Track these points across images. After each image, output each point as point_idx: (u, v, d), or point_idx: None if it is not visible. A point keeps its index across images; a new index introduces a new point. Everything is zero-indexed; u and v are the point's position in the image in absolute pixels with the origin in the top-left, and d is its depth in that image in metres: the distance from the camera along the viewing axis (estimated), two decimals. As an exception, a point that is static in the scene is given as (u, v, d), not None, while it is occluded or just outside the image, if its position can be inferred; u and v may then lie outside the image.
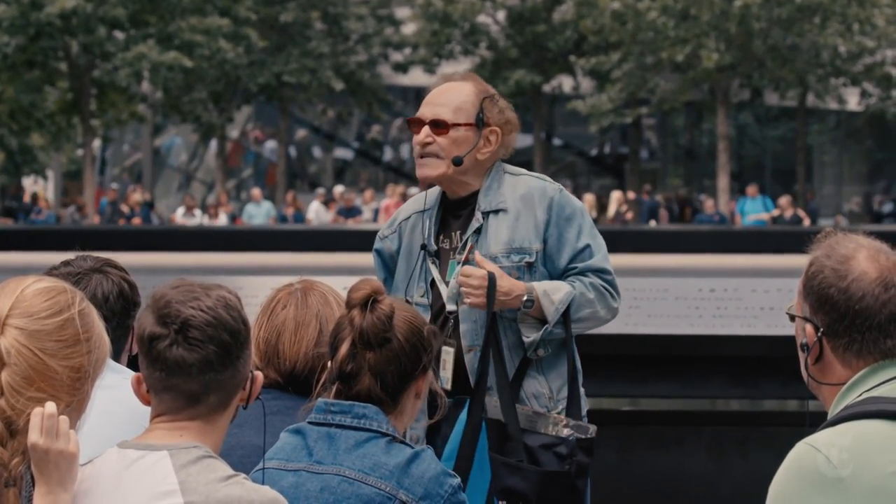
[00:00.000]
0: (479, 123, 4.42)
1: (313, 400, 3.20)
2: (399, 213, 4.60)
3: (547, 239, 4.37)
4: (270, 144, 40.52)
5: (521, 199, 4.39)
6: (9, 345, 2.57)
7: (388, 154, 42.60)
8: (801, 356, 2.78)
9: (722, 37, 31.89)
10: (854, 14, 31.90)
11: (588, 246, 4.38)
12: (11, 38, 30.85)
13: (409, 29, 36.07)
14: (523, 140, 33.11)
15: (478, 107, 4.42)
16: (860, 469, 2.55)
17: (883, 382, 2.68)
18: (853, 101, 34.76)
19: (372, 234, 4.68)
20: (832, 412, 2.71)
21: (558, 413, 4.31)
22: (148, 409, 2.77)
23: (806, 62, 32.67)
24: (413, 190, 26.16)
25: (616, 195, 30.04)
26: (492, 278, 4.24)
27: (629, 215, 28.73)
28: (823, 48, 32.46)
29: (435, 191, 4.52)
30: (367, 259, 4.79)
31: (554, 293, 4.30)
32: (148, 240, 10.28)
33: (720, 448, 7.59)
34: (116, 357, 3.54)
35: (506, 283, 4.26)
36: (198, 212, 29.16)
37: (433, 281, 4.41)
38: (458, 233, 4.44)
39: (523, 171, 4.52)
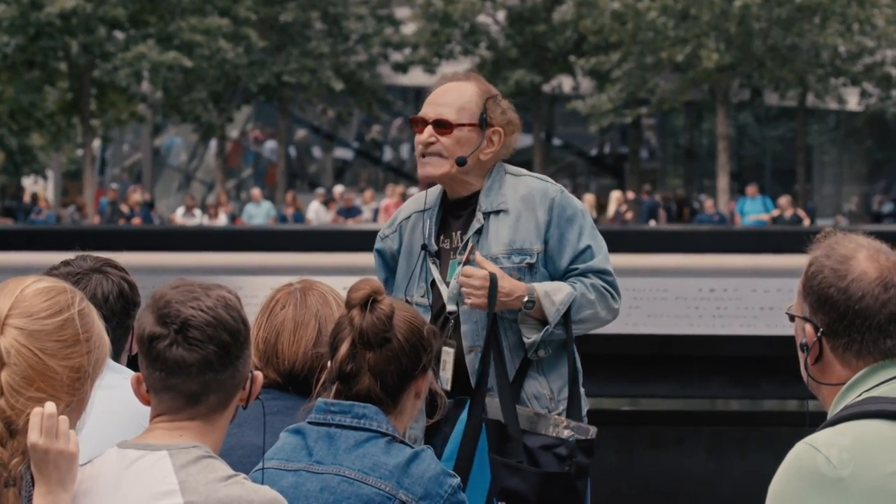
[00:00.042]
0: (483, 124, 4.42)
1: (313, 400, 3.20)
2: (399, 212, 4.60)
3: (548, 240, 4.37)
4: (270, 144, 40.53)
5: (523, 199, 4.39)
6: (8, 345, 2.58)
7: (387, 154, 42.61)
8: (801, 356, 2.78)
9: (722, 37, 31.89)
10: (854, 14, 31.90)
11: (589, 247, 4.38)
12: (11, 38, 30.85)
13: (408, 29, 36.07)
14: (523, 140, 33.08)
15: (481, 107, 4.42)
16: (860, 469, 2.55)
17: (883, 382, 2.68)
18: (853, 101, 34.77)
19: (372, 234, 4.68)
20: (832, 412, 2.71)
21: (558, 414, 4.31)
22: (148, 409, 2.77)
23: (806, 62, 32.67)
24: (413, 190, 26.17)
25: (616, 195, 30.04)
26: (493, 279, 4.24)
27: (629, 215, 28.73)
28: (823, 48, 32.46)
29: (435, 190, 4.51)
30: (366, 259, 4.79)
31: (555, 294, 4.30)
32: (148, 240, 10.28)
33: (720, 448, 7.59)
34: (116, 357, 3.54)
35: (507, 283, 4.26)
36: (197, 212, 29.17)
37: (433, 281, 4.41)
38: (458, 233, 4.44)
39: (524, 171, 4.51)
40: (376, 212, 28.72)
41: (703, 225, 26.58)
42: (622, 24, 32.51)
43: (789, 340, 2.86)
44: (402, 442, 3.11)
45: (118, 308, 3.61)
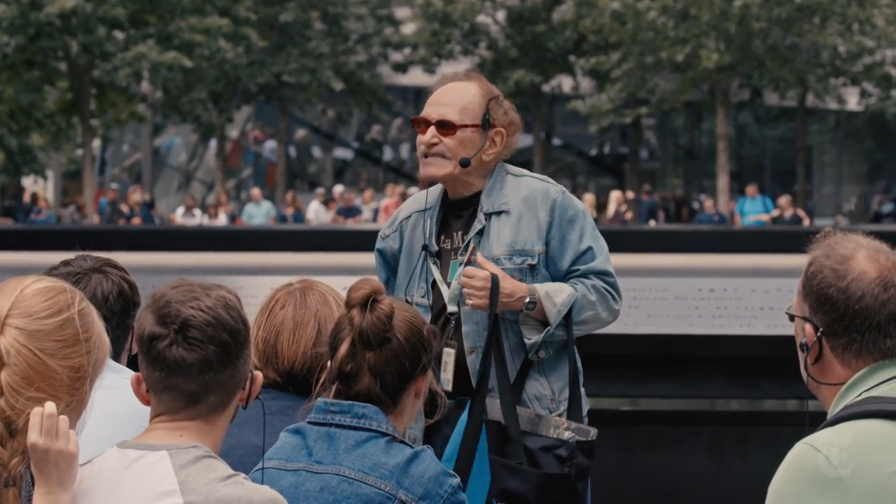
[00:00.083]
0: (485, 125, 4.41)
1: (313, 400, 3.20)
2: (400, 211, 4.59)
3: (549, 241, 4.37)
4: (270, 144, 40.54)
5: (524, 200, 4.38)
6: (8, 345, 2.57)
7: (387, 154, 42.62)
8: (801, 356, 2.78)
9: (722, 37, 31.89)
10: (854, 14, 31.90)
11: (590, 248, 4.38)
12: (11, 38, 30.86)
13: (408, 29, 36.08)
14: (523, 140, 33.08)
15: (484, 108, 4.41)
16: (860, 469, 2.55)
17: (882, 382, 2.68)
18: (853, 101, 34.77)
19: (371, 234, 4.67)
20: (832, 412, 2.71)
21: (559, 415, 4.31)
22: (148, 409, 2.77)
23: (806, 62, 32.67)
24: (413, 189, 26.16)
25: (615, 195, 30.04)
26: (495, 280, 4.24)
27: (628, 215, 28.73)
28: (823, 48, 32.46)
29: (436, 190, 4.51)
30: (366, 259, 4.79)
31: (556, 295, 4.30)
32: (148, 240, 10.28)
33: (720, 448, 7.59)
34: (116, 357, 3.54)
35: (508, 284, 4.26)
36: (197, 212, 29.17)
37: (434, 281, 4.40)
38: (459, 233, 4.43)
39: (526, 171, 4.51)
40: (376, 212, 28.72)
41: (703, 225, 26.58)
42: (622, 24, 32.51)
43: (789, 340, 2.86)
44: (402, 442, 3.11)
45: (118, 308, 3.61)
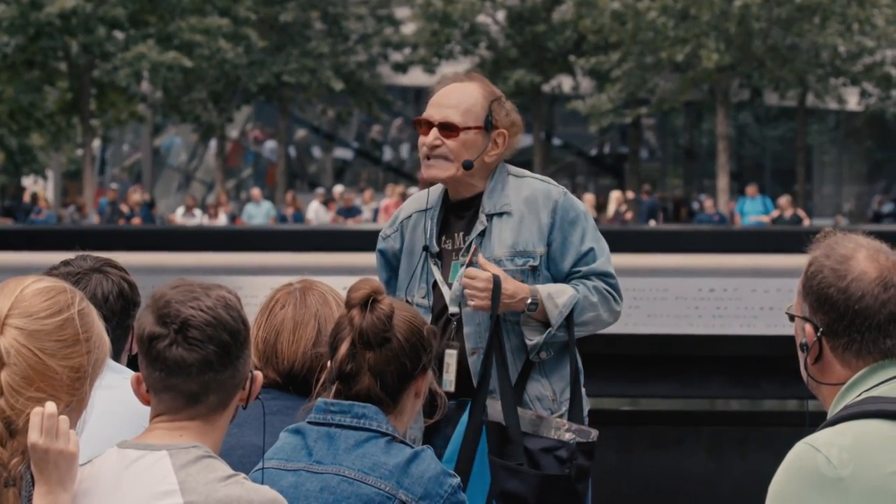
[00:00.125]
0: (488, 126, 4.40)
1: (313, 400, 3.20)
2: (400, 211, 4.58)
3: (551, 242, 4.36)
4: (270, 144, 40.54)
5: (525, 201, 4.38)
6: (8, 345, 2.57)
7: (387, 154, 42.62)
8: (801, 356, 2.78)
9: (722, 37, 31.89)
10: (854, 14, 31.91)
11: (592, 249, 4.38)
12: (11, 38, 30.87)
13: (408, 29, 36.08)
14: (523, 140, 32.85)
15: (486, 109, 4.40)
16: (860, 469, 2.55)
17: (882, 382, 2.68)
18: (853, 101, 34.77)
19: (372, 234, 4.67)
20: (832, 412, 2.71)
21: (560, 416, 4.31)
22: (148, 409, 2.77)
23: (806, 62, 32.67)
24: (413, 189, 26.16)
25: (615, 195, 30.04)
26: (497, 281, 4.23)
27: (628, 215, 28.73)
28: (823, 48, 32.47)
29: (436, 189, 4.50)
30: (366, 259, 4.79)
31: (558, 296, 4.30)
32: (148, 240, 10.28)
33: (720, 448, 7.59)
34: (116, 357, 3.54)
35: (510, 286, 4.26)
36: (197, 212, 29.17)
37: (435, 282, 4.40)
38: (460, 234, 4.43)
39: (527, 172, 4.51)
40: (376, 212, 28.72)
41: (703, 225, 26.58)
42: (622, 24, 32.51)
43: (789, 340, 2.86)
44: (402, 442, 3.11)
45: (118, 308, 3.61)
